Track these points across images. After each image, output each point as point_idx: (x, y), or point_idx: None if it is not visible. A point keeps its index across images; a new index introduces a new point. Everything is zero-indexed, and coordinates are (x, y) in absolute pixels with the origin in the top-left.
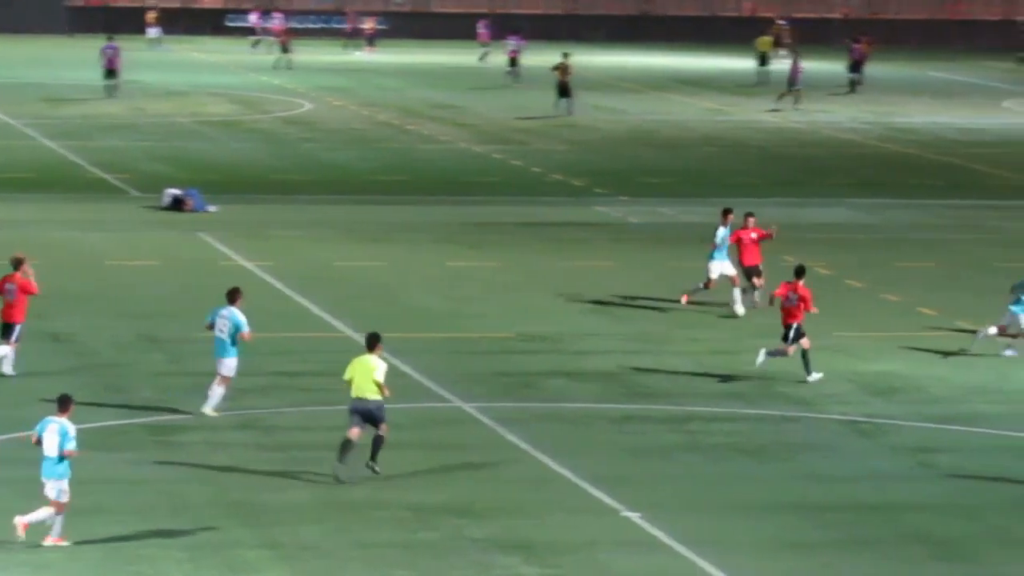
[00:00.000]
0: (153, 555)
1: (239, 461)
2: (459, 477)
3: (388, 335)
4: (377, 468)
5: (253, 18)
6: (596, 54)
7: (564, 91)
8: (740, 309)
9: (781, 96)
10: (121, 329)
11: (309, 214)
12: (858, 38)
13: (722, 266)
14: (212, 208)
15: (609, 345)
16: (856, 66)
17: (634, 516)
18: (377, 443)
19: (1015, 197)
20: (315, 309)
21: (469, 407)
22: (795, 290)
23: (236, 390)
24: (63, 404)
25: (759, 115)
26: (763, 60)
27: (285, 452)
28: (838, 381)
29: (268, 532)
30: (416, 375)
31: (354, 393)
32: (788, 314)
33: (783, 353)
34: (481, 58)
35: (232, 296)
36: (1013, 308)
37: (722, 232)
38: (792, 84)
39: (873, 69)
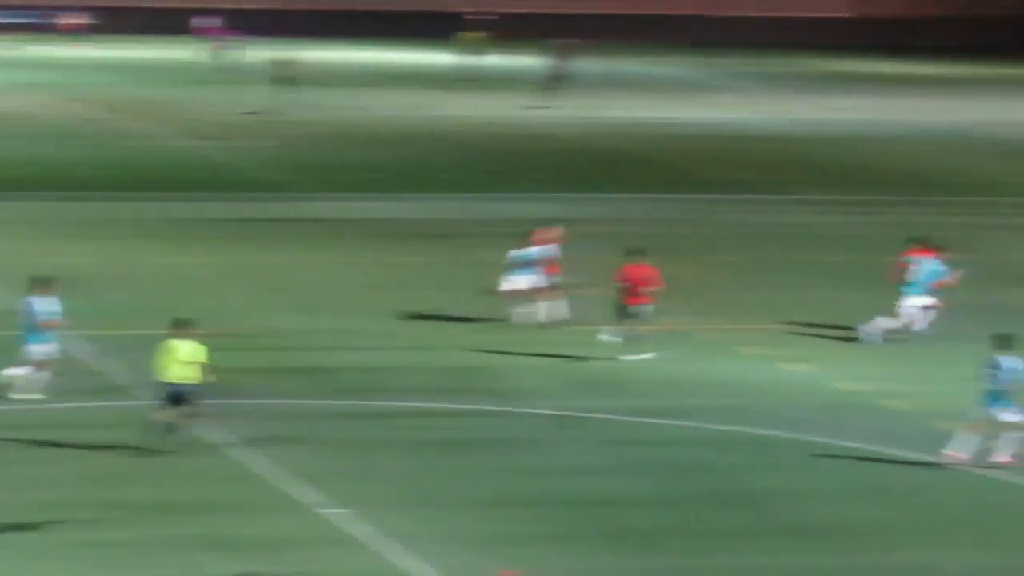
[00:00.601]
0: None
1: None
2: (160, 475)
3: (91, 332)
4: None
5: None
6: (306, 49)
7: (291, 84)
8: (541, 316)
9: (546, 91)
10: None
11: (8, 211)
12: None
13: (527, 280)
14: None
15: (312, 341)
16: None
17: (337, 512)
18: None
19: (721, 191)
20: (13, 307)
21: None
22: (641, 272)
23: None
24: None
25: (464, 110)
26: (466, 55)
27: None
28: (543, 375)
29: None
30: (116, 373)
31: (166, 377)
32: (629, 293)
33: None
34: (209, 53)
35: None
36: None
37: (523, 253)
38: (553, 79)
39: (577, 64)
